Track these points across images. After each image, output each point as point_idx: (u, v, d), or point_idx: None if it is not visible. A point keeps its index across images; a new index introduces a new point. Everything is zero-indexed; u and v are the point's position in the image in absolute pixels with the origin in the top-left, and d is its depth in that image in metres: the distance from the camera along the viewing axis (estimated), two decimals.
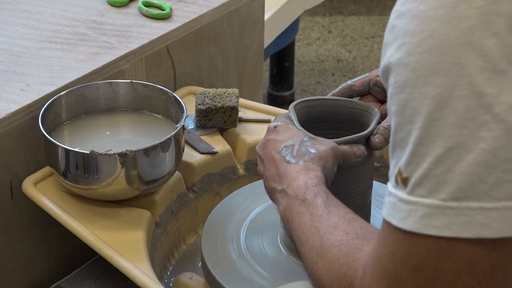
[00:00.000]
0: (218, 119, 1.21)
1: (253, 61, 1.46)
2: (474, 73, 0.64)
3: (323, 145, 0.93)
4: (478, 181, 0.65)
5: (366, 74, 1.02)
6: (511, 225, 0.65)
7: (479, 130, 0.64)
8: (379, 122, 0.99)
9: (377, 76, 1.02)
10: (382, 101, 1.02)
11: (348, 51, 2.89)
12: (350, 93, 1.02)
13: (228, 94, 1.22)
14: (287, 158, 0.90)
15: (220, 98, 1.21)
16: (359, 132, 0.96)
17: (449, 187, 0.65)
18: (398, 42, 0.68)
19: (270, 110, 1.28)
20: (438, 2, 0.65)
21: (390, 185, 0.70)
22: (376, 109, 0.98)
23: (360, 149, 0.95)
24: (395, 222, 0.68)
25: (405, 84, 0.67)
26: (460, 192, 0.65)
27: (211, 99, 1.21)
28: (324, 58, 2.85)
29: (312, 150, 0.91)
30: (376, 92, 1.02)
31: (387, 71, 0.69)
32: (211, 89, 1.23)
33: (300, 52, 2.87)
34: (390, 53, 0.68)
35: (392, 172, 0.69)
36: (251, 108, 1.28)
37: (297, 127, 0.96)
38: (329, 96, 1.02)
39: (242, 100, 1.29)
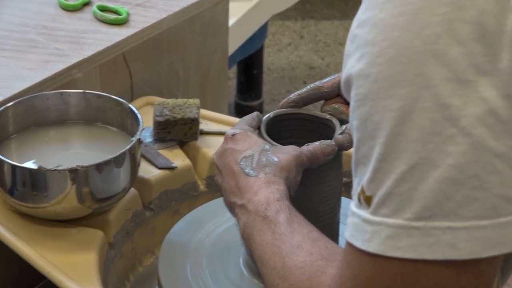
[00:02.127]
0: (178, 131, 1.21)
1: (217, 69, 1.46)
2: (438, 84, 0.64)
3: (285, 153, 0.92)
4: (445, 199, 0.65)
5: (336, 75, 1.02)
6: (481, 245, 0.65)
7: (445, 144, 0.64)
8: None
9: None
10: None
11: (321, 57, 2.90)
12: (318, 95, 1.01)
13: (189, 104, 1.22)
14: (247, 170, 0.90)
15: (180, 109, 1.21)
16: None
17: (414, 206, 0.65)
18: (359, 53, 0.68)
19: (234, 122, 1.27)
20: (398, 10, 0.65)
21: (353, 205, 0.70)
22: (335, 121, 0.98)
23: (329, 146, 0.94)
24: (358, 244, 0.68)
25: (367, 96, 0.67)
26: (426, 211, 0.65)
27: (170, 110, 1.21)
28: (296, 65, 2.86)
29: (274, 159, 0.91)
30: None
31: (348, 83, 0.69)
32: (171, 100, 1.23)
33: (270, 58, 2.87)
34: (351, 64, 0.69)
35: (355, 191, 0.69)
36: (214, 120, 1.28)
37: (263, 137, 0.96)
38: (294, 95, 1.01)
39: (204, 111, 1.28)
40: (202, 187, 1.22)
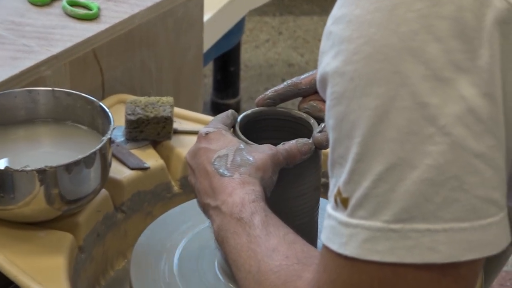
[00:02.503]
0: (151, 130, 1.21)
1: (192, 66, 1.45)
2: (416, 82, 0.64)
3: (261, 152, 0.91)
4: (424, 200, 0.64)
5: (314, 71, 1.02)
6: (461, 248, 0.64)
7: (423, 144, 0.64)
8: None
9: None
10: None
11: (300, 54, 2.90)
12: (296, 91, 1.01)
13: (162, 103, 1.21)
14: (221, 170, 0.89)
15: (153, 108, 1.20)
16: None
17: (392, 208, 0.65)
18: (335, 50, 0.67)
19: (209, 120, 1.25)
20: (374, 6, 0.65)
21: (329, 207, 0.69)
22: (312, 120, 0.98)
23: (306, 144, 0.93)
24: (335, 247, 0.67)
25: (343, 95, 0.67)
26: (404, 213, 0.65)
27: (143, 108, 1.20)
28: (274, 62, 2.86)
29: (249, 159, 0.90)
30: None
31: (323, 81, 0.69)
32: (143, 98, 1.22)
33: (247, 55, 2.86)
34: (326, 62, 0.68)
35: (332, 192, 0.69)
36: (188, 118, 1.27)
37: (238, 135, 0.95)
38: (270, 92, 1.01)
39: (177, 110, 1.27)
40: (176, 188, 1.21)
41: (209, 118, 1.28)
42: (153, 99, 1.22)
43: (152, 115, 1.20)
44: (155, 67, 1.38)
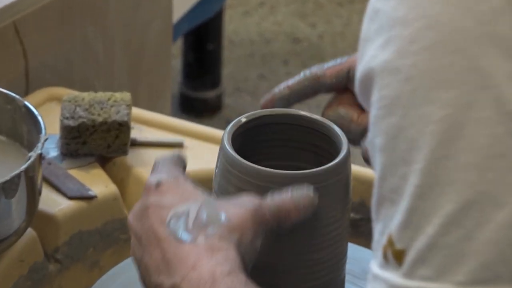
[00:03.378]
0: (98, 142, 1.21)
1: (156, 46, 1.46)
2: (502, 83, 0.65)
3: (237, 206, 0.92)
4: None
5: (343, 60, 1.04)
6: None
7: None
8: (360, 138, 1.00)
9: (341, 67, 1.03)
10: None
11: (310, 24, 2.92)
12: (317, 87, 1.03)
13: (115, 101, 1.22)
14: (179, 233, 0.90)
15: (101, 108, 1.21)
16: (320, 163, 0.97)
17: (469, 264, 0.66)
18: (384, 37, 0.68)
19: (183, 127, 1.28)
20: None
21: (374, 265, 0.70)
22: (341, 136, 0.99)
23: (306, 197, 0.93)
24: None
25: (396, 102, 0.68)
26: (486, 270, 0.66)
27: (87, 109, 1.21)
28: (272, 37, 2.87)
29: (219, 216, 0.91)
30: None
31: (367, 82, 0.70)
32: (86, 94, 1.22)
33: (232, 27, 2.88)
34: (371, 54, 0.69)
35: (378, 244, 0.70)
36: (152, 123, 1.28)
37: (227, 153, 0.95)
38: (282, 88, 1.02)
39: (137, 111, 1.28)
40: None
41: (181, 124, 1.28)
42: (101, 95, 1.22)
43: (100, 119, 1.21)
44: (103, 49, 1.39)
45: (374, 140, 0.70)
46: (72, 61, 1.37)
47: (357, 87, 0.72)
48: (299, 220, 0.94)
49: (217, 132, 1.29)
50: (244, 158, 0.97)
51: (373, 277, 0.70)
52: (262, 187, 0.95)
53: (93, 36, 1.38)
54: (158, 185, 0.94)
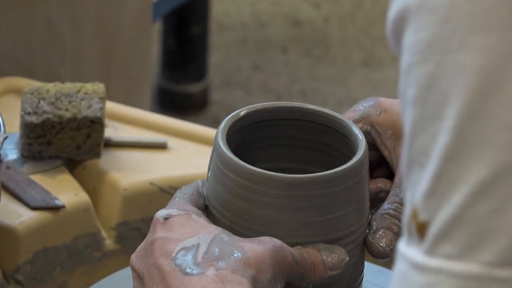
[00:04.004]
0: (66, 142, 1.24)
1: (132, 29, 1.48)
2: None
3: (256, 242, 0.94)
4: None
5: (365, 104, 1.06)
6: None
7: None
8: (378, 203, 1.03)
9: (357, 120, 1.06)
10: (374, 159, 1.06)
11: (314, 4, 2.93)
12: None
13: (85, 93, 1.24)
14: (186, 267, 0.92)
15: (69, 102, 1.24)
16: (332, 166, 0.99)
17: (500, 241, 0.67)
18: None
19: (166, 124, 1.30)
20: None
21: (402, 242, 0.71)
22: (359, 135, 1.02)
23: (336, 255, 0.97)
24: None
25: (432, 46, 0.69)
26: None
27: (52, 103, 1.23)
28: (268, 19, 2.88)
29: (233, 251, 0.93)
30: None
31: (400, 24, 0.71)
32: (52, 85, 1.25)
33: (221, 7, 2.88)
34: None
35: (405, 216, 0.71)
36: (130, 120, 1.31)
37: (221, 152, 0.98)
38: None
39: (111, 105, 1.30)
40: (109, 241, 1.25)
41: (163, 120, 1.31)
42: (69, 87, 1.25)
43: (68, 114, 1.23)
44: (70, 32, 1.41)
45: (406, 91, 0.71)
46: (33, 48, 1.38)
47: (389, 29, 0.73)
48: (327, 279, 0.98)
49: (208, 131, 1.31)
50: (242, 159, 0.99)
51: (399, 256, 0.71)
52: (263, 193, 0.98)
53: (58, 18, 1.39)
54: (166, 219, 0.97)
